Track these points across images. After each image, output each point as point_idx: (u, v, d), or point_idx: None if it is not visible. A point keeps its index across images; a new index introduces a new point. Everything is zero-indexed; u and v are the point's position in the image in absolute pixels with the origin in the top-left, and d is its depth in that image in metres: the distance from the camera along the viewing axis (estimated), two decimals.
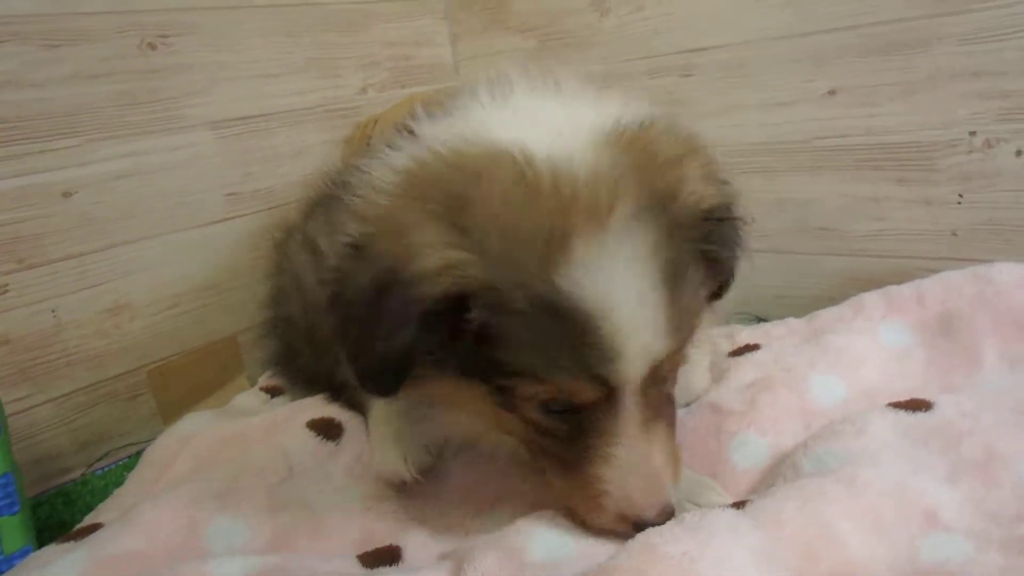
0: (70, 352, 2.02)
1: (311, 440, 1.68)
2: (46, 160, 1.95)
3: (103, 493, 1.76)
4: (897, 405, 1.47)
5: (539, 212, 1.12)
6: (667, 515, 1.22)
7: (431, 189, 1.19)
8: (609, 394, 1.18)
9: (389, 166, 1.31)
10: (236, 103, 2.32)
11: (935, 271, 1.81)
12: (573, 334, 1.12)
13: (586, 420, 1.21)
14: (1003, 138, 1.87)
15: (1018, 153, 1.86)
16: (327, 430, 1.71)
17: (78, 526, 1.56)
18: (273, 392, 2.13)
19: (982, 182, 1.92)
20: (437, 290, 1.12)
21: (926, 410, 1.45)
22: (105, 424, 2.08)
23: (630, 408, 1.20)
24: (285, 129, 2.44)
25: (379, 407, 1.72)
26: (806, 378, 1.63)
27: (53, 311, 1.97)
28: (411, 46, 2.79)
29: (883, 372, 1.66)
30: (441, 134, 1.30)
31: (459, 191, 1.16)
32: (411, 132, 1.42)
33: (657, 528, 1.17)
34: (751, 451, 1.51)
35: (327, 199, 1.95)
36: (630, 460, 1.21)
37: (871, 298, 1.82)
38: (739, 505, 1.25)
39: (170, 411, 2.13)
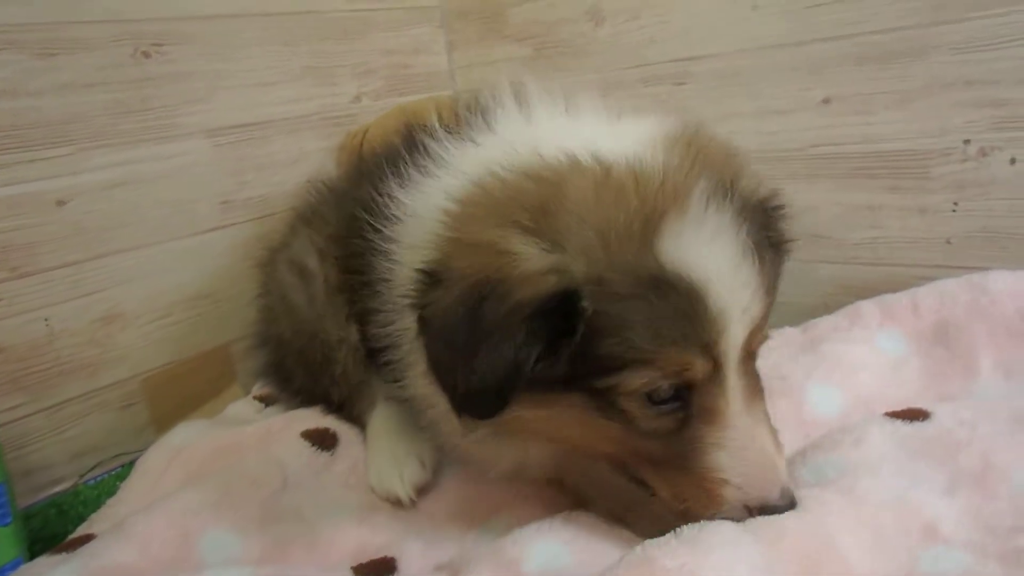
0: (63, 361, 2.01)
1: (306, 450, 1.68)
2: (39, 168, 1.94)
3: (95, 504, 1.75)
4: (894, 415, 1.47)
5: (630, 203, 1.17)
6: (789, 497, 1.22)
7: (509, 205, 1.20)
8: (715, 368, 1.19)
9: (441, 191, 1.32)
10: (232, 111, 2.32)
11: (930, 279, 1.81)
12: (681, 306, 1.14)
13: (693, 405, 1.21)
14: (997, 146, 1.87)
15: (1012, 161, 1.86)
16: (322, 440, 1.71)
17: (70, 537, 1.55)
18: (267, 401, 2.12)
19: (977, 190, 1.92)
20: (543, 290, 1.13)
21: (923, 419, 1.45)
22: (98, 434, 2.07)
23: (734, 384, 1.21)
24: (281, 137, 2.44)
25: (377, 424, 1.72)
26: (803, 387, 1.63)
27: (46, 320, 1.97)
28: (407, 55, 2.79)
29: (880, 381, 1.66)
30: (490, 154, 1.32)
31: (541, 202, 1.18)
32: (431, 152, 1.43)
33: (655, 540, 1.16)
34: None
35: (312, 217, 1.95)
36: (743, 443, 1.21)
37: (866, 307, 1.82)
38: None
39: (163, 421, 2.11)
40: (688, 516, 1.22)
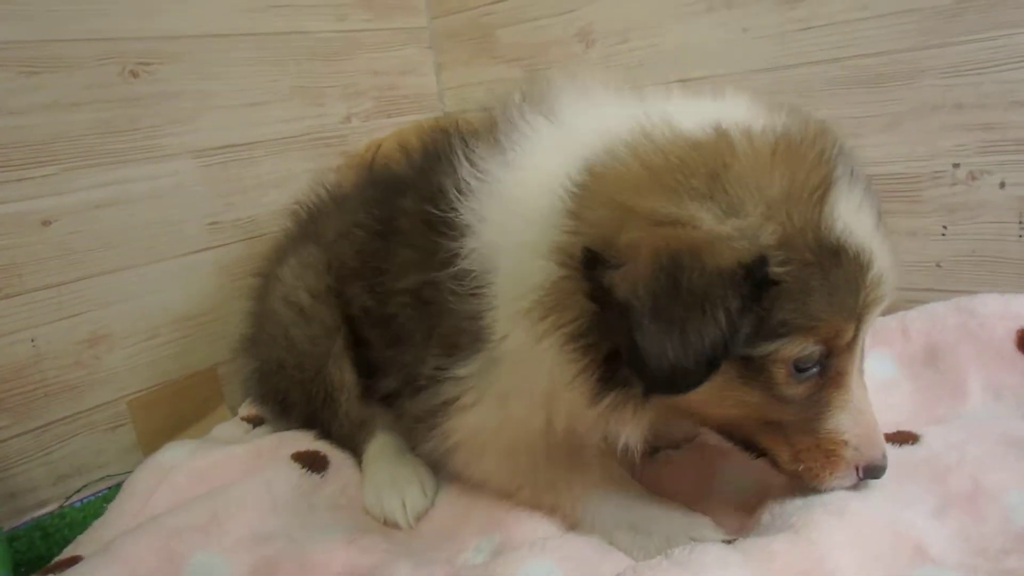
0: (48, 382, 1.99)
1: (296, 472, 1.67)
2: (24, 188, 1.93)
3: (81, 526, 1.74)
4: (885, 437, 1.46)
5: (797, 171, 1.19)
6: (887, 459, 1.29)
7: (672, 174, 1.18)
8: (854, 334, 1.23)
9: (539, 164, 1.33)
10: (220, 131, 2.31)
11: (920, 302, 1.82)
12: (852, 273, 1.18)
13: (826, 370, 1.24)
14: (987, 170, 1.87)
15: (1002, 185, 1.86)
16: (312, 462, 1.70)
17: (56, 559, 1.54)
18: (254, 422, 2.11)
19: (966, 214, 1.92)
20: (745, 256, 1.12)
21: (913, 443, 1.47)
22: (83, 456, 2.05)
23: (857, 351, 1.27)
24: (269, 158, 2.43)
25: (376, 449, 1.72)
26: None
27: (32, 341, 1.95)
28: (396, 75, 2.79)
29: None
30: (604, 130, 1.31)
31: (710, 169, 1.18)
32: (513, 129, 1.43)
33: (646, 562, 1.16)
34: (739, 481, 1.50)
35: (299, 240, 1.94)
36: (858, 405, 1.27)
37: None
38: (729, 542, 1.24)
39: (150, 442, 2.09)
40: (805, 476, 1.29)
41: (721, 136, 1.22)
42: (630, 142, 1.25)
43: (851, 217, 1.18)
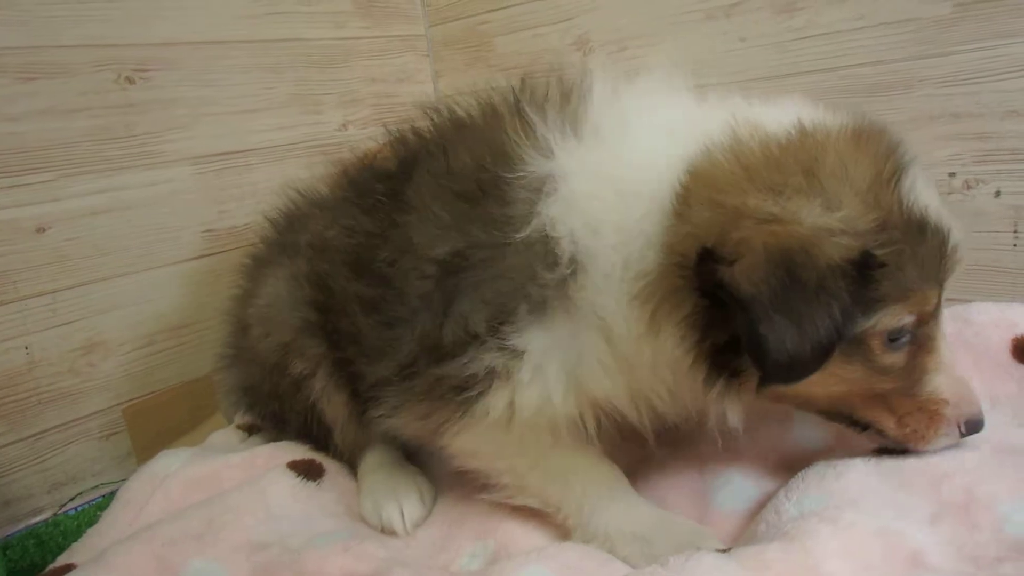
0: (42, 390, 1.99)
1: (292, 480, 1.67)
2: (19, 195, 1.93)
3: (75, 534, 1.73)
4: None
5: (877, 160, 1.28)
6: (983, 414, 1.38)
7: (773, 174, 1.26)
8: (938, 301, 1.32)
9: (662, 152, 1.34)
10: (216, 138, 2.31)
11: None
12: (936, 245, 1.28)
13: (917, 338, 1.32)
14: (982, 179, 1.87)
15: (997, 194, 1.86)
16: (308, 471, 1.70)
17: (50, 567, 1.53)
18: (249, 430, 2.10)
19: (961, 223, 1.91)
20: (854, 251, 1.20)
21: (907, 451, 1.45)
22: (78, 463, 2.05)
23: (940, 317, 1.35)
24: (265, 165, 2.43)
25: (373, 459, 1.72)
26: (788, 420, 1.62)
27: (26, 348, 1.95)
28: (393, 83, 2.80)
29: None
30: (691, 126, 1.37)
31: (804, 165, 1.26)
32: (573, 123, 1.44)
33: (643, 570, 1.16)
34: (735, 493, 1.50)
35: (274, 258, 1.91)
36: (949, 364, 1.36)
37: None
38: (724, 551, 1.24)
39: (145, 450, 2.08)
40: (912, 440, 1.37)
41: (806, 135, 1.30)
42: (724, 144, 1.31)
43: (926, 194, 1.28)
